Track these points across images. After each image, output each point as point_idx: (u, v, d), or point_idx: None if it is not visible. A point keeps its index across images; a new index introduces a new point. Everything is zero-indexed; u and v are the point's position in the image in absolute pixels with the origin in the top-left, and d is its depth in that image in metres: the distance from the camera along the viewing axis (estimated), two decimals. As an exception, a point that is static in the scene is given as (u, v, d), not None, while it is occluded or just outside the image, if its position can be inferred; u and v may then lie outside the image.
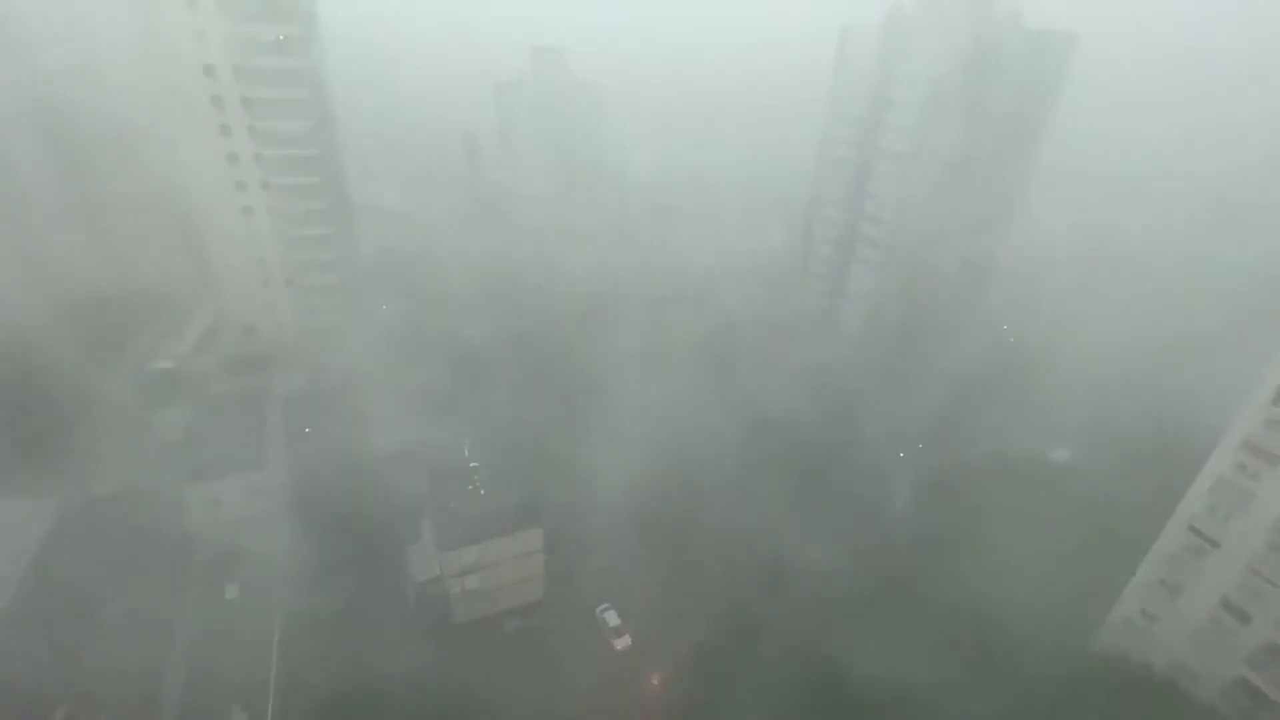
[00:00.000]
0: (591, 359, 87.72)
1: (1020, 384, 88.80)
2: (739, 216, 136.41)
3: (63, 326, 69.25)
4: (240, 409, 65.80)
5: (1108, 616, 50.48)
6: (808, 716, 46.42)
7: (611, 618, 57.53)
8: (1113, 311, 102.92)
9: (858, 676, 46.36)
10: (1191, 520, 44.01)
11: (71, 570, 49.47)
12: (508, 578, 55.36)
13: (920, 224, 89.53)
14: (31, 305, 70.36)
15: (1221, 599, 42.98)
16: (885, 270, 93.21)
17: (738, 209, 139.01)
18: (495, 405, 74.17)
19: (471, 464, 58.89)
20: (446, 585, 54.32)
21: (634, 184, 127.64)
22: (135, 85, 68.71)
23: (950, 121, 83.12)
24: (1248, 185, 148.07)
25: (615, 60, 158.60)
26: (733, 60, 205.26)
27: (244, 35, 67.58)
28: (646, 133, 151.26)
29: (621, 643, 55.82)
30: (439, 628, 54.99)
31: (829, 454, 73.78)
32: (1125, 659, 47.50)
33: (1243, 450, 40.63)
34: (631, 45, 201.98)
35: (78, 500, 55.99)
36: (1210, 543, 43.02)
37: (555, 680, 52.01)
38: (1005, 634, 50.31)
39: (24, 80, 72.16)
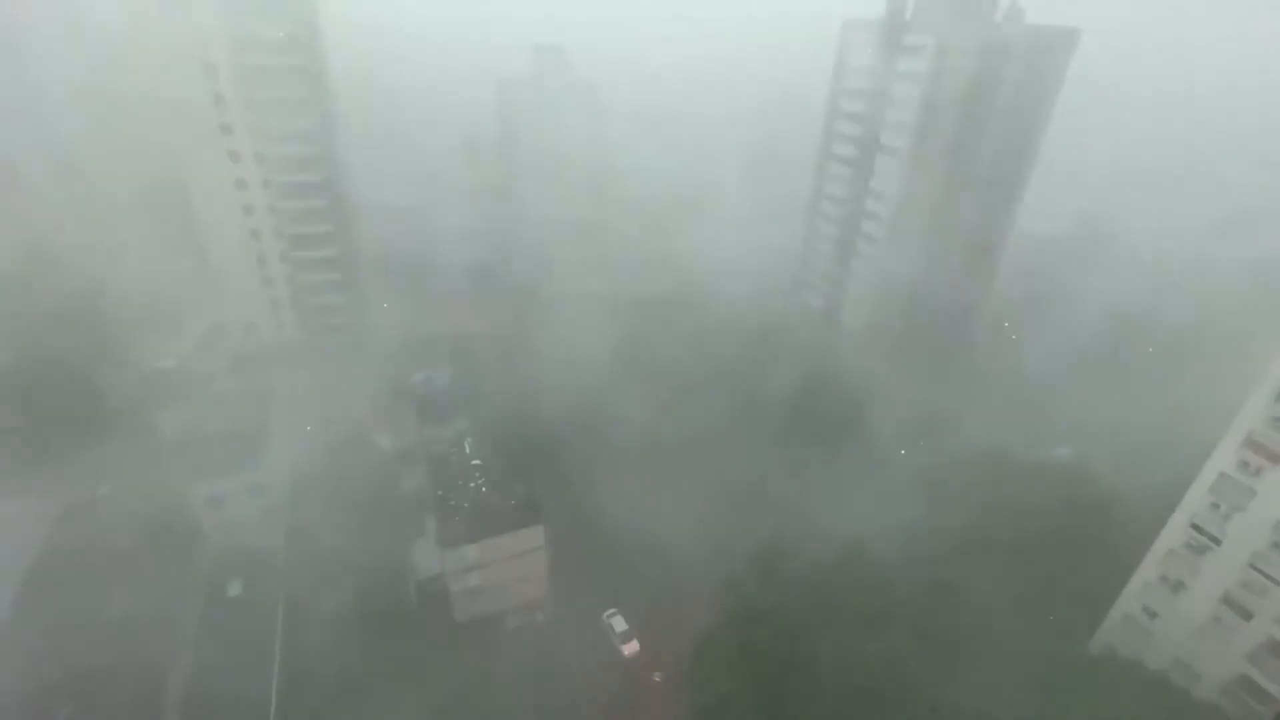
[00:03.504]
0: (589, 358, 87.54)
1: (1021, 381, 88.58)
2: (739, 213, 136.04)
3: (64, 325, 69.31)
4: (241, 407, 65.82)
5: (1108, 614, 50.46)
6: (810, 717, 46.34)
7: (619, 623, 57.01)
8: (1114, 309, 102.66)
9: (860, 677, 46.24)
10: (1193, 517, 43.95)
11: (74, 570, 49.69)
12: (509, 575, 55.38)
13: (920, 221, 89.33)
14: (32, 304, 70.43)
15: (1223, 596, 42.98)
16: (885, 267, 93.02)
17: (738, 206, 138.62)
18: (494, 402, 74.05)
19: (473, 461, 58.96)
20: (448, 582, 54.38)
21: (634, 181, 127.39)
22: (136, 83, 68.69)
23: (951, 118, 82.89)
24: (1249, 182, 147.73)
25: (616, 59, 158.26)
26: (733, 57, 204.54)
27: (245, 34, 67.58)
28: (647, 130, 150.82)
29: (630, 649, 55.33)
30: (440, 625, 55.05)
31: (831, 453, 73.68)
32: (1126, 656, 47.51)
33: (1245, 447, 40.56)
34: (632, 44, 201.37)
35: (80, 500, 56.17)
36: (1212, 540, 43.00)
37: (557, 678, 52.03)
38: (1005, 632, 50.20)
39: (25, 79, 72.25)
